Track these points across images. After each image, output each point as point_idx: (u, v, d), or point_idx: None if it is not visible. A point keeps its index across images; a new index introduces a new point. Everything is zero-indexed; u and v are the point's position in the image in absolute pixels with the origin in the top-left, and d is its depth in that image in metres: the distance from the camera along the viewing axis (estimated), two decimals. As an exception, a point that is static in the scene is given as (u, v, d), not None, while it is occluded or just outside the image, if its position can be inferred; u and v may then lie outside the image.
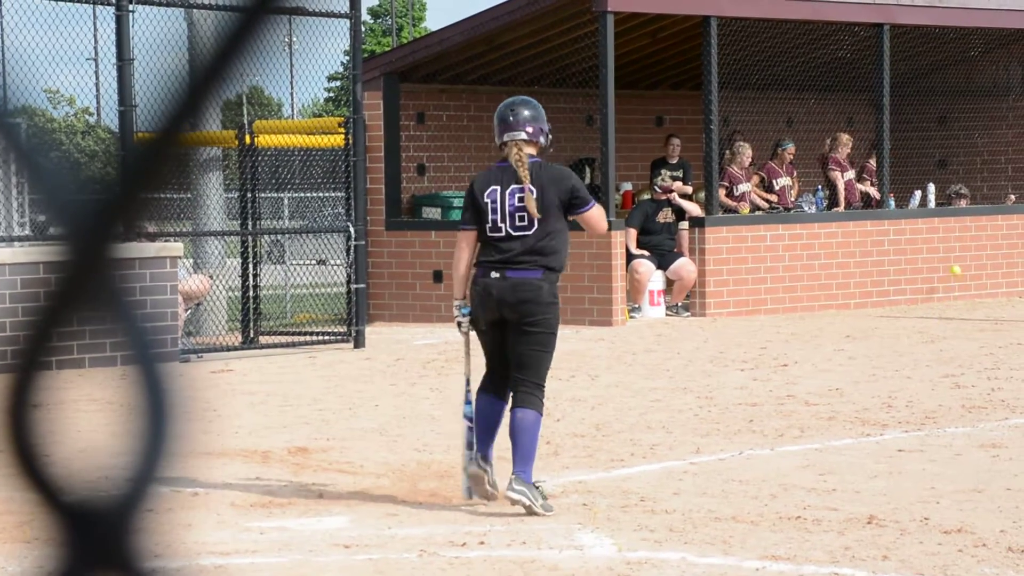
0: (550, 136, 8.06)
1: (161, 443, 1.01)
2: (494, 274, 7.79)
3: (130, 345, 1.02)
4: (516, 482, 7.61)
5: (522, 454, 7.69)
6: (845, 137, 20.32)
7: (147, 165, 1.02)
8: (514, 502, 7.58)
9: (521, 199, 7.80)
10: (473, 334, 7.97)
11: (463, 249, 7.90)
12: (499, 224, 7.83)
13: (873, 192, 20.51)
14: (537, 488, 7.65)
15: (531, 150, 7.94)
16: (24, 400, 1.03)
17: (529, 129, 7.93)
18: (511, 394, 7.81)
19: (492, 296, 7.77)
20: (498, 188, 7.86)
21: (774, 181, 20.10)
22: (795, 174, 20.13)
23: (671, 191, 19.07)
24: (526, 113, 7.98)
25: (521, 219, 7.81)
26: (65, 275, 1.02)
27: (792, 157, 20.27)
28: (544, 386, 7.85)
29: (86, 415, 10.27)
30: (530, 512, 7.56)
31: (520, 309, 7.73)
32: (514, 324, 7.74)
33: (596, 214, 7.99)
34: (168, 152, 1.01)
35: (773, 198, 19.90)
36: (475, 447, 7.83)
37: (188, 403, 1.04)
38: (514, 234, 7.81)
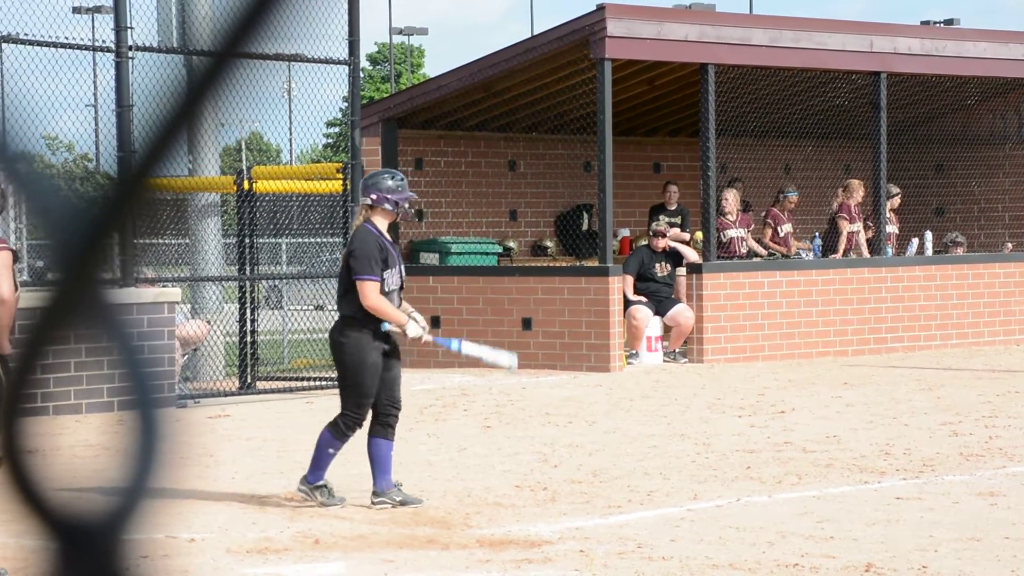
0: (374, 197, 9.19)
1: (152, 458, 1.02)
2: (387, 324, 9.20)
3: (121, 363, 1.03)
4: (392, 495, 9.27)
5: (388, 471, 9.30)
6: (856, 182, 20.36)
7: (118, 207, 1.03)
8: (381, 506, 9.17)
9: (399, 260, 9.35)
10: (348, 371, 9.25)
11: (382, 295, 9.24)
12: (390, 281, 9.28)
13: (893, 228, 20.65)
14: (396, 488, 9.27)
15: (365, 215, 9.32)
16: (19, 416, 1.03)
17: (374, 196, 9.23)
18: (386, 424, 9.22)
19: (392, 339, 9.30)
20: (391, 251, 9.25)
21: (779, 228, 20.18)
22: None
23: (665, 235, 19.09)
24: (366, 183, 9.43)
25: (399, 275, 9.33)
26: (54, 297, 1.03)
27: (793, 205, 20.35)
28: None
29: (82, 461, 10.25)
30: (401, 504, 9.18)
31: (397, 348, 9.42)
32: (395, 358, 9.32)
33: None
34: (137, 195, 1.02)
35: (783, 250, 19.96)
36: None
37: (178, 437, 1.04)
38: (396, 288, 9.30)
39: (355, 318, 9.17)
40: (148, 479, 1.02)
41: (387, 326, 9.31)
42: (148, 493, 1.03)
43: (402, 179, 9.36)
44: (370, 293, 9.10)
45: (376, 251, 9.10)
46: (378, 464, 9.21)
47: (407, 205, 9.29)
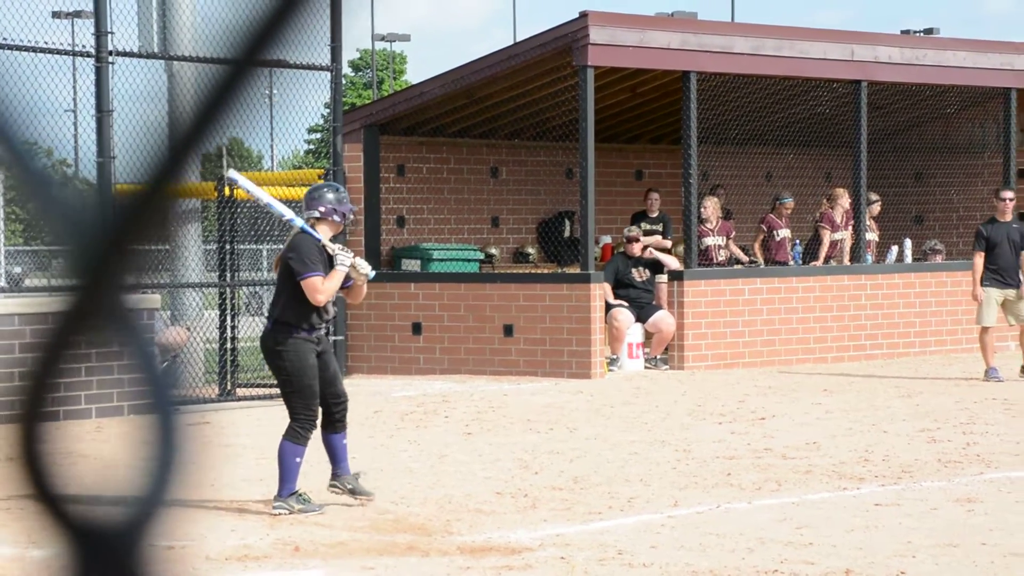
0: (322, 210, 9.43)
1: (170, 465, 1.02)
2: (321, 332, 9.40)
3: (138, 369, 1.04)
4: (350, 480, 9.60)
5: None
6: (840, 191, 20.46)
7: (133, 218, 1.03)
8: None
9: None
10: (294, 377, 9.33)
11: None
12: None
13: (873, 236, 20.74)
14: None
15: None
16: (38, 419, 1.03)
17: (321, 208, 9.49)
18: (336, 420, 9.46)
19: (324, 339, 9.47)
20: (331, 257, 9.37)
21: (774, 232, 20.24)
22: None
23: (638, 240, 19.13)
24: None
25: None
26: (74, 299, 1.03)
27: (789, 211, 20.38)
28: None
29: (62, 468, 10.22)
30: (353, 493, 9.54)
31: (329, 346, 9.71)
32: (328, 356, 9.50)
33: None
34: (155, 204, 1.03)
35: (767, 256, 20.02)
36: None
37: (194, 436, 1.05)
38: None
39: (288, 323, 9.36)
40: (168, 486, 1.02)
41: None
42: (167, 500, 1.03)
43: (344, 191, 9.76)
44: (316, 287, 9.25)
45: (315, 252, 9.31)
46: (335, 454, 9.58)
47: (351, 216, 9.66)
